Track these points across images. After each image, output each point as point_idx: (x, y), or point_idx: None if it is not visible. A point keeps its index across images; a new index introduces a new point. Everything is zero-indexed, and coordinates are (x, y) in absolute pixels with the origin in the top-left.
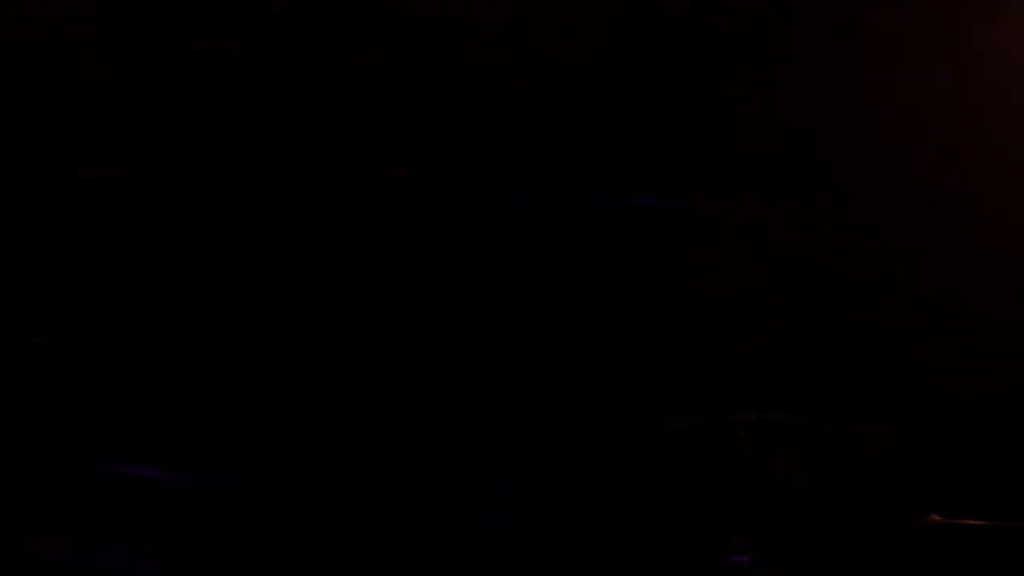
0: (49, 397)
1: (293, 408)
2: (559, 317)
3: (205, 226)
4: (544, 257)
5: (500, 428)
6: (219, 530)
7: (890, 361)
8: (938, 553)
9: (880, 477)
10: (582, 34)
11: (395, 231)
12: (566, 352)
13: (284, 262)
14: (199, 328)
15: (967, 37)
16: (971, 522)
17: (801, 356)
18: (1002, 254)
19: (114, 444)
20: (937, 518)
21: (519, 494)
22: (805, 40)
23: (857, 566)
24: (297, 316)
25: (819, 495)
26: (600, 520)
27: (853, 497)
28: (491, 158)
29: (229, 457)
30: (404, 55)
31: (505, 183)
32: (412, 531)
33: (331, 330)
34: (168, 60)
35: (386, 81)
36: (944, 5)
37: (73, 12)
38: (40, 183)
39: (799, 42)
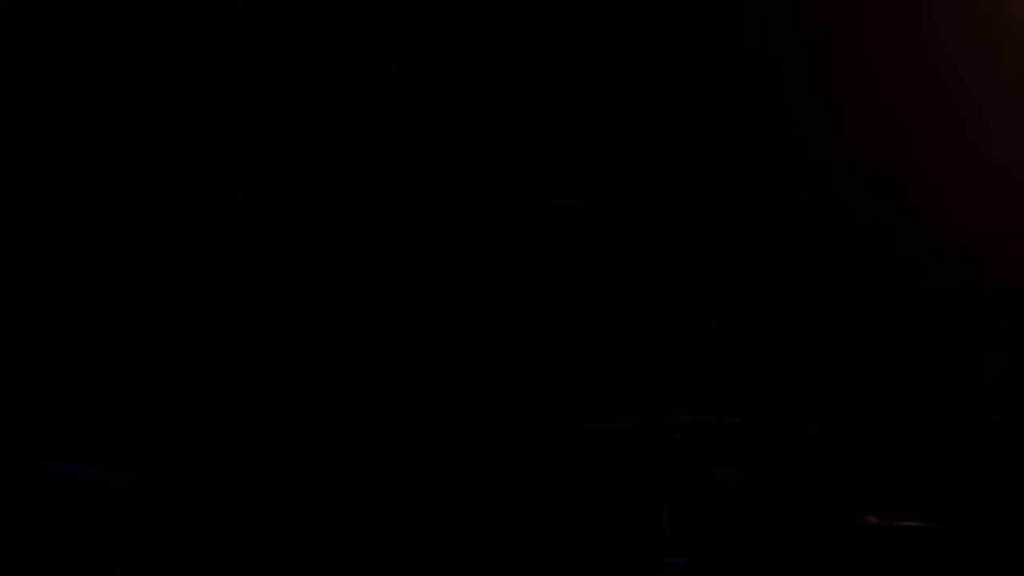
0: None
1: None
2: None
3: None
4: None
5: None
6: None
7: (819, 361)
8: (875, 554)
9: (817, 478)
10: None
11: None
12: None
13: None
14: None
15: None
16: (908, 523)
17: (729, 356)
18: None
19: None
20: (874, 519)
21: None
22: None
23: (793, 568)
24: None
25: (754, 496)
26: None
27: (789, 498)
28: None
29: None
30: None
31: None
32: None
33: None
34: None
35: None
36: None
37: None
38: None
39: None
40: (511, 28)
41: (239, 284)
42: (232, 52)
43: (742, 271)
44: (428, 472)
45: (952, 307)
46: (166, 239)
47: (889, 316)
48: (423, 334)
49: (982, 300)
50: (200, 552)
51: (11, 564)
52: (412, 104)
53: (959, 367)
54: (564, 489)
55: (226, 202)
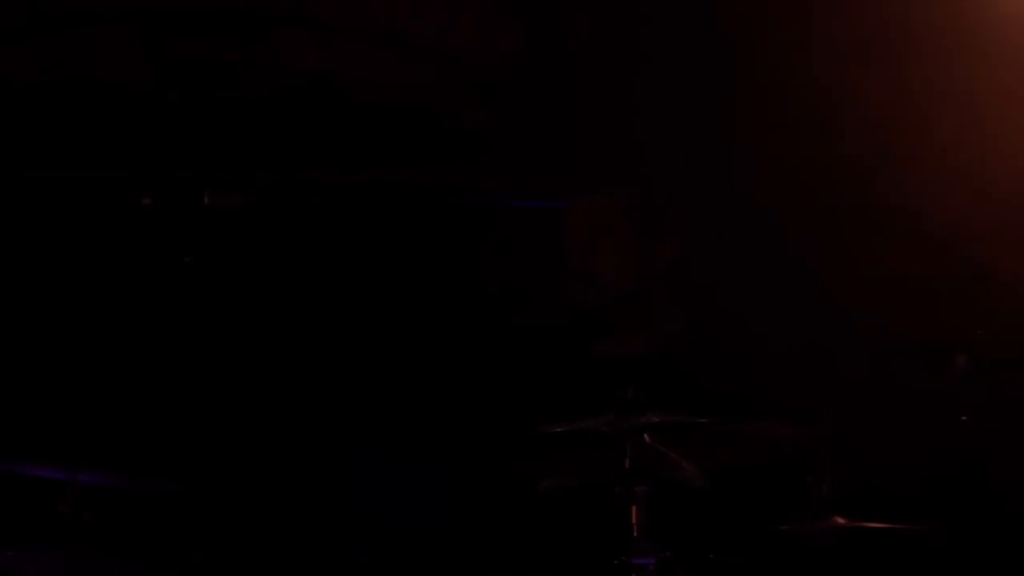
0: None
1: None
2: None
3: None
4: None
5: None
6: None
7: (788, 362)
8: (843, 555)
9: (786, 480)
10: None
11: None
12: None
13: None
14: None
15: None
16: (875, 524)
17: (699, 357)
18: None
19: None
20: (842, 520)
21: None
22: None
23: (763, 568)
24: None
25: (723, 498)
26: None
27: (759, 500)
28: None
29: None
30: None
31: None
32: None
33: None
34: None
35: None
36: None
37: None
38: None
39: None
40: (481, 29)
41: (213, 284)
42: (201, 54)
43: (710, 272)
44: (410, 476)
45: (920, 308)
46: (138, 239)
47: (858, 318)
48: (391, 334)
49: (950, 302)
50: (200, 552)
51: (8, 566)
52: (380, 104)
53: (926, 368)
54: (533, 491)
55: (195, 203)
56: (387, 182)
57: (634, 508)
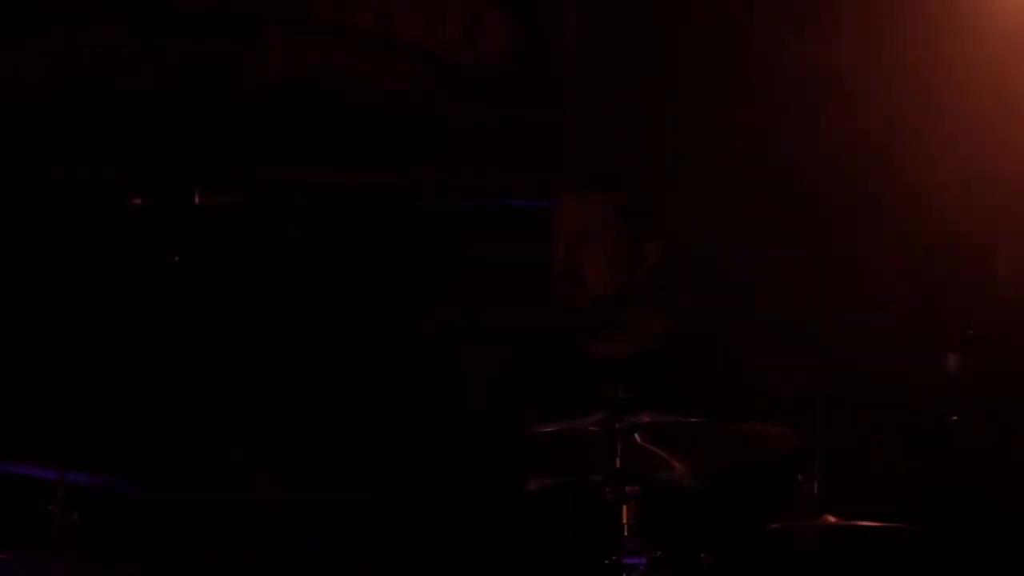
0: None
1: None
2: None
3: None
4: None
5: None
6: None
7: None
8: (834, 555)
9: (778, 479)
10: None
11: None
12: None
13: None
14: None
15: None
16: (866, 523)
17: (688, 356)
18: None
19: None
20: (832, 519)
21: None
22: None
23: (754, 568)
24: None
25: (715, 497)
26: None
27: (750, 499)
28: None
29: None
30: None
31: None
32: None
33: None
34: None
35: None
36: None
37: None
38: None
39: None
40: (470, 29)
41: (202, 285)
42: (191, 52)
43: (700, 271)
44: (408, 476)
45: (912, 308)
46: (126, 239)
47: (850, 318)
48: (383, 335)
49: (942, 301)
50: (199, 553)
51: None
52: (370, 104)
53: (917, 368)
54: (521, 491)
55: (186, 203)
56: (378, 182)
57: (625, 508)
